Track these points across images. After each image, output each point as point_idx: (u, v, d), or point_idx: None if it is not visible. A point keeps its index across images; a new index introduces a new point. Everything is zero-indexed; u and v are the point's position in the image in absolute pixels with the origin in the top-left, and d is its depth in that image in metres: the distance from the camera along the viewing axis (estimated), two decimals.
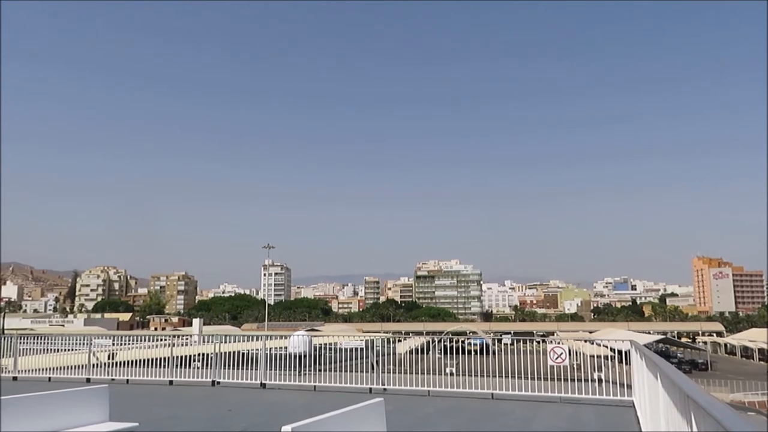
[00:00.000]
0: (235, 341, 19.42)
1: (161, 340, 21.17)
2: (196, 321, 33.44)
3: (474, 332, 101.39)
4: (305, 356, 18.39)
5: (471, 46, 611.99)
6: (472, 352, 18.94)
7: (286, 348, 18.47)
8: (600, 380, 14.06)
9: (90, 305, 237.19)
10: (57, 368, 19.55)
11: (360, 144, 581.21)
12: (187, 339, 20.39)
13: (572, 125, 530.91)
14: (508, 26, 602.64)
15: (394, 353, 17.01)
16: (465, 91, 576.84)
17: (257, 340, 18.58)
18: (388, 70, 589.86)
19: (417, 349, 18.82)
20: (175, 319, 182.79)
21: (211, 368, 17.64)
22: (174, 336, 21.03)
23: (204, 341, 20.25)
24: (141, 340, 23.55)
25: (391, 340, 18.15)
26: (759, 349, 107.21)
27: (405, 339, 25.56)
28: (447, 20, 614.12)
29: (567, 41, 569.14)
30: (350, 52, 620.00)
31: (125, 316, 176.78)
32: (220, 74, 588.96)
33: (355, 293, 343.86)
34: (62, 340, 21.73)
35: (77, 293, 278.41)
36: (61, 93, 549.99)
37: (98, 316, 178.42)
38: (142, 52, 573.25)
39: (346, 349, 20.49)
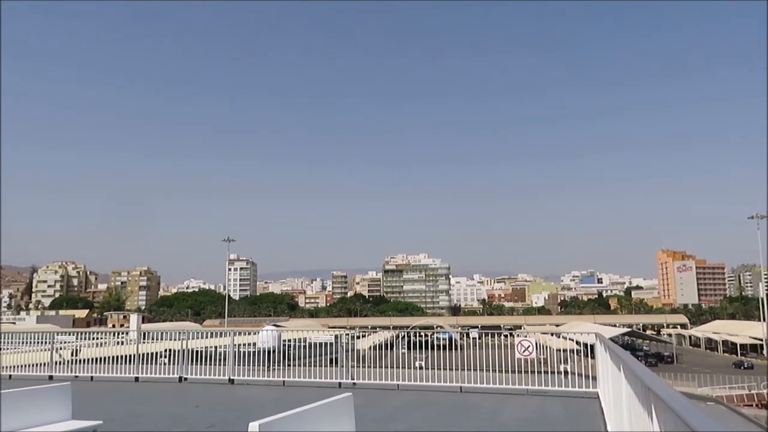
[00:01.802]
0: (201, 337, 19.24)
1: (93, 337, 20.66)
2: (133, 317, 32.87)
3: (440, 327, 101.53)
4: (274, 351, 18.28)
5: (442, 43, 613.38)
6: (440, 347, 19.01)
7: (250, 344, 18.30)
8: (566, 372, 14.27)
9: (47, 302, 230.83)
10: (18, 366, 19.11)
11: (331, 138, 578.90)
12: (123, 336, 19.94)
13: (539, 121, 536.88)
14: (474, 22, 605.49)
15: (353, 350, 16.92)
16: (434, 85, 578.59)
17: (221, 336, 18.43)
18: (358, 64, 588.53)
19: (381, 345, 18.71)
20: (134, 316, 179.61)
21: (178, 364, 17.42)
22: (106, 333, 20.66)
23: (144, 338, 19.86)
24: (78, 338, 22.49)
25: (351, 335, 18.06)
26: (723, 341, 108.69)
27: (367, 334, 25.34)
28: (420, 15, 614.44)
29: (535, 37, 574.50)
30: (319, 45, 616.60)
31: (81, 313, 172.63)
32: (187, 68, 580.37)
33: (324, 288, 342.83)
34: (24, 337, 21.26)
35: (34, 289, 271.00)
36: (30, 87, 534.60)
37: (52, 313, 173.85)
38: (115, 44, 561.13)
39: (315, 344, 20.44)
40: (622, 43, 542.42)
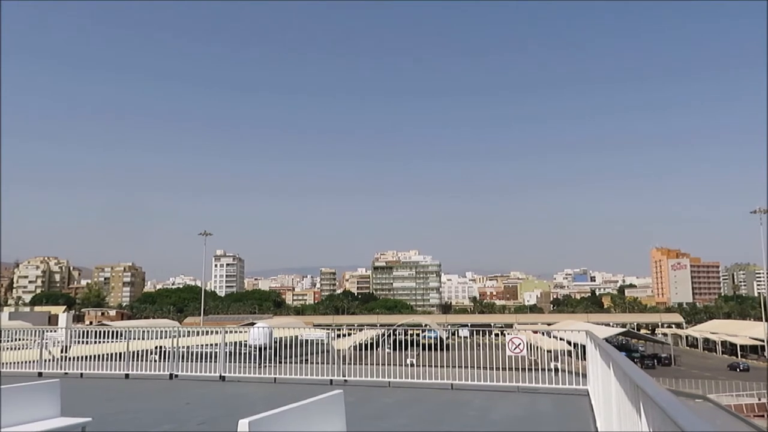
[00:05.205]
0: (192, 335, 19.20)
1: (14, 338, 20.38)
2: (63, 316, 32.35)
3: (427, 325, 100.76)
4: (265, 348, 18.25)
5: (438, 41, 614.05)
6: (426, 346, 18.94)
7: (237, 343, 18.23)
8: (557, 370, 14.35)
9: (29, 298, 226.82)
10: (6, 363, 19.00)
11: (322, 135, 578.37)
12: (50, 336, 19.38)
13: (533, 119, 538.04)
14: (470, 20, 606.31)
15: (328, 351, 16.80)
16: (426, 83, 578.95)
17: (213, 333, 18.40)
18: (350, 61, 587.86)
19: (364, 344, 18.46)
20: (112, 313, 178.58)
21: (168, 361, 17.38)
22: (29, 332, 20.38)
23: (73, 337, 19.71)
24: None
25: (329, 334, 17.97)
26: (721, 342, 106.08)
27: (350, 333, 25.12)
28: (416, 12, 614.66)
29: (530, 36, 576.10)
30: (309, 42, 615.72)
31: (59, 310, 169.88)
32: (180, 63, 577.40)
33: (313, 285, 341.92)
34: (13, 334, 21.14)
35: (14, 285, 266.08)
36: (16, 81, 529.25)
37: (27, 309, 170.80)
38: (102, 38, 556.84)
39: (307, 341, 20.43)
40: (618, 42, 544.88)
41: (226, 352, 17.04)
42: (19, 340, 21.07)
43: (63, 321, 32.30)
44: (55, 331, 20.02)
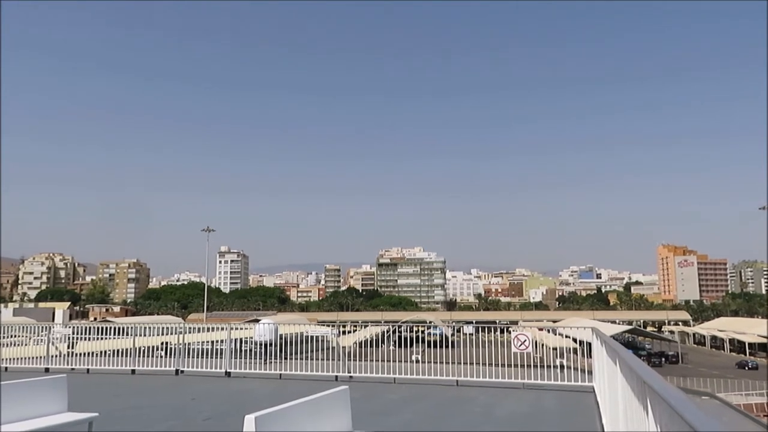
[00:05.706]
0: (198, 331, 19.26)
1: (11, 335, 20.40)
2: (59, 312, 32.08)
3: (431, 322, 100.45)
4: (271, 344, 18.30)
5: (439, 40, 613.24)
6: (430, 344, 18.89)
7: (245, 340, 18.25)
8: (562, 366, 14.31)
9: (34, 294, 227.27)
10: (14, 359, 19.09)
11: (329, 134, 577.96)
12: (45, 333, 19.37)
13: (537, 117, 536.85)
14: (472, 19, 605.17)
15: (333, 347, 16.76)
16: (431, 82, 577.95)
17: (219, 330, 18.44)
18: (349, 61, 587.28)
19: (367, 341, 18.40)
20: (117, 309, 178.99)
21: (174, 357, 17.44)
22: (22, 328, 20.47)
23: (76, 333, 19.74)
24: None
25: (332, 332, 17.98)
26: (729, 340, 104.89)
27: (354, 330, 25.06)
28: (415, 11, 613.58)
29: (534, 34, 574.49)
30: (310, 42, 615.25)
31: (63, 306, 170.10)
32: (175, 62, 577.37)
33: (318, 281, 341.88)
34: (20, 329, 21.24)
35: (20, 281, 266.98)
36: (17, 77, 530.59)
37: (31, 305, 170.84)
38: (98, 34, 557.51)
39: (312, 338, 20.47)
40: (618, 42, 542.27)
41: (231, 348, 17.09)
42: (14, 336, 21.13)
43: (59, 317, 32.12)
44: (52, 328, 20.07)
